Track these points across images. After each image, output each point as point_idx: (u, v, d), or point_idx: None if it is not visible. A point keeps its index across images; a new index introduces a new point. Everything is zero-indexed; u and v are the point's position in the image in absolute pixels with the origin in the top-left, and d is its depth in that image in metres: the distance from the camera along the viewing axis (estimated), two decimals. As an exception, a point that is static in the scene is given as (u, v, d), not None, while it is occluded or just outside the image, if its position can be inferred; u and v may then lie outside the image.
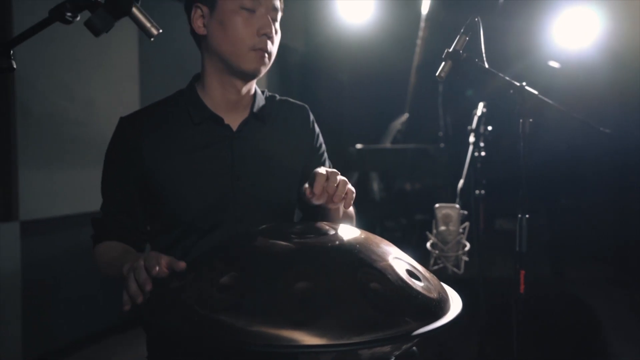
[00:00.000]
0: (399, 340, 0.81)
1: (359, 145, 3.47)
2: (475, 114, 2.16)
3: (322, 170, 1.09)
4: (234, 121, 1.30)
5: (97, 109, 2.73)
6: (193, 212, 1.23)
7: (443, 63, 1.39)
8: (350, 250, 0.94)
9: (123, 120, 1.29)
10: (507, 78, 1.40)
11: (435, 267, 1.74)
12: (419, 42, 3.63)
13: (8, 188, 2.41)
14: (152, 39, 0.82)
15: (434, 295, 0.93)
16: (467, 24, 1.41)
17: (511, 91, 1.41)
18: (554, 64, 3.94)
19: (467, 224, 1.74)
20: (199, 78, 1.33)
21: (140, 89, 3.00)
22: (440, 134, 3.29)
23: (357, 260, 0.92)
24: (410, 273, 0.96)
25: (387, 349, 0.88)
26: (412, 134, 3.75)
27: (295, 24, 5.21)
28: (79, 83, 2.66)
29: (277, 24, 1.27)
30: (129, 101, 2.97)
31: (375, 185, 4.00)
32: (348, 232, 1.02)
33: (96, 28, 0.75)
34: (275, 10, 1.24)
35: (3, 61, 0.76)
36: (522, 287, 1.45)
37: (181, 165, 1.24)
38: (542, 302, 3.49)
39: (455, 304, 0.96)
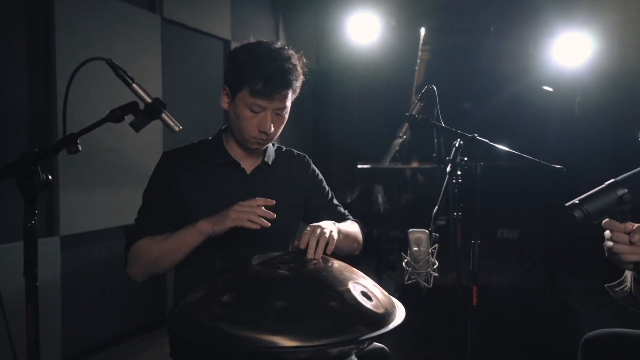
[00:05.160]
0: (345, 344, 1.14)
1: (359, 165, 3.80)
2: (454, 145, 2.45)
3: (308, 230, 1.42)
4: (248, 166, 1.64)
5: (126, 138, 3.02)
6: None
7: (402, 124, 1.70)
8: (318, 277, 1.27)
9: (166, 154, 1.61)
10: (460, 131, 1.70)
11: (409, 282, 2.04)
12: (417, 67, 3.93)
13: (50, 207, 2.72)
14: (175, 132, 1.15)
15: (380, 310, 1.25)
16: (422, 93, 1.71)
17: (459, 140, 1.71)
18: (547, 88, 4.22)
19: (436, 245, 2.03)
20: (225, 130, 1.66)
21: (163, 116, 3.34)
22: (434, 154, 3.59)
23: (323, 285, 1.24)
24: (364, 294, 1.28)
25: (345, 348, 1.20)
26: (409, 153, 4.06)
27: (307, 45, 5.53)
28: (110, 113, 3.01)
29: (285, 112, 1.54)
30: (154, 130, 3.29)
31: (380, 198, 4.28)
32: (320, 262, 1.35)
33: (137, 126, 1.10)
34: (281, 109, 1.51)
35: (73, 146, 1.10)
36: (474, 300, 1.75)
37: (205, 197, 1.57)
38: (534, 310, 3.78)
39: (399, 317, 1.28)
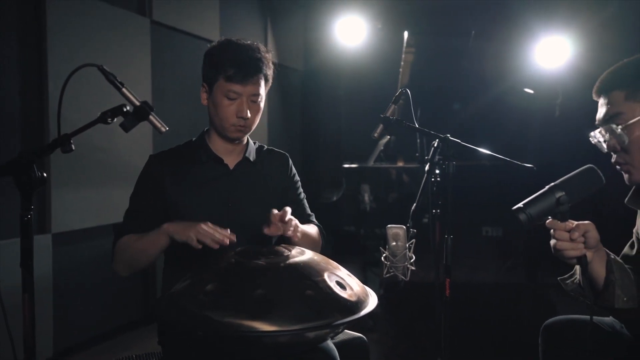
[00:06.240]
0: (321, 328, 1.23)
1: (346, 165, 3.91)
2: (433, 145, 2.55)
3: (275, 212, 1.53)
4: (231, 162, 1.73)
5: (116, 137, 3.08)
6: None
7: (376, 126, 1.80)
8: (296, 268, 1.36)
9: (152, 157, 1.71)
10: (432, 132, 1.80)
11: (388, 275, 2.13)
12: (401, 70, 4.04)
13: (42, 206, 2.79)
14: (162, 132, 1.24)
15: (353, 299, 1.34)
16: (396, 96, 1.81)
17: (437, 140, 1.81)
18: (528, 90, 4.34)
19: (413, 240, 2.13)
20: (207, 130, 1.76)
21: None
22: (417, 154, 3.70)
23: (300, 275, 1.34)
24: (339, 283, 1.37)
25: (321, 332, 1.30)
26: (395, 152, 4.16)
27: (295, 47, 5.62)
28: (100, 114, 3.08)
29: (260, 100, 1.65)
30: (143, 131, 3.37)
31: (366, 197, 4.39)
32: (298, 254, 1.44)
33: (126, 127, 1.19)
34: (255, 95, 1.62)
35: (67, 146, 1.19)
36: (447, 291, 1.85)
37: (191, 193, 1.66)
38: (515, 304, 3.90)
39: (371, 304, 1.38)
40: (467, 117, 4.34)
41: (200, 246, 1.42)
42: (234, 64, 1.58)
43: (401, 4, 5.13)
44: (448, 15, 5.02)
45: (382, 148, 4.03)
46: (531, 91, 4.30)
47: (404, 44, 4.00)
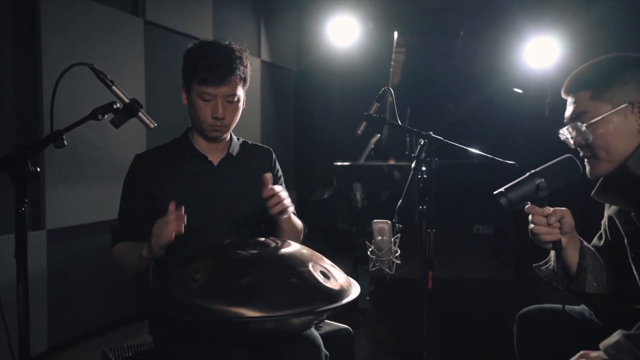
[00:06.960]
0: (305, 314, 1.29)
1: (337, 163, 3.96)
2: (420, 143, 2.60)
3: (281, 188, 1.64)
4: (215, 158, 1.78)
5: (109, 135, 3.13)
6: (186, 224, 1.69)
7: (360, 123, 1.86)
8: (281, 258, 1.42)
9: (137, 157, 1.76)
10: (415, 129, 1.86)
11: (374, 268, 2.19)
12: (391, 70, 4.10)
13: (37, 202, 2.84)
14: (151, 128, 1.30)
15: (336, 287, 1.41)
16: (379, 94, 1.87)
17: (423, 140, 1.87)
18: (518, 90, 4.40)
19: (398, 235, 2.19)
20: (190, 128, 1.81)
21: (146, 116, 3.48)
22: (406, 152, 3.75)
23: (285, 264, 1.40)
24: (323, 273, 1.43)
25: (305, 319, 1.35)
26: (384, 151, 4.22)
27: (288, 46, 5.67)
28: (94, 112, 3.12)
29: (237, 100, 1.68)
30: (137, 128, 3.43)
31: (358, 195, 4.43)
32: (284, 246, 1.50)
33: (116, 124, 1.24)
34: (231, 96, 1.65)
35: (59, 141, 1.24)
36: (430, 284, 1.91)
37: (178, 190, 1.70)
38: (501, 299, 3.96)
39: (354, 293, 1.44)
40: (457, 116, 4.39)
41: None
42: (206, 67, 1.61)
43: (392, 4, 5.20)
44: (438, 16, 5.08)
45: (372, 146, 4.09)
46: (520, 91, 4.36)
47: (394, 44, 4.06)
